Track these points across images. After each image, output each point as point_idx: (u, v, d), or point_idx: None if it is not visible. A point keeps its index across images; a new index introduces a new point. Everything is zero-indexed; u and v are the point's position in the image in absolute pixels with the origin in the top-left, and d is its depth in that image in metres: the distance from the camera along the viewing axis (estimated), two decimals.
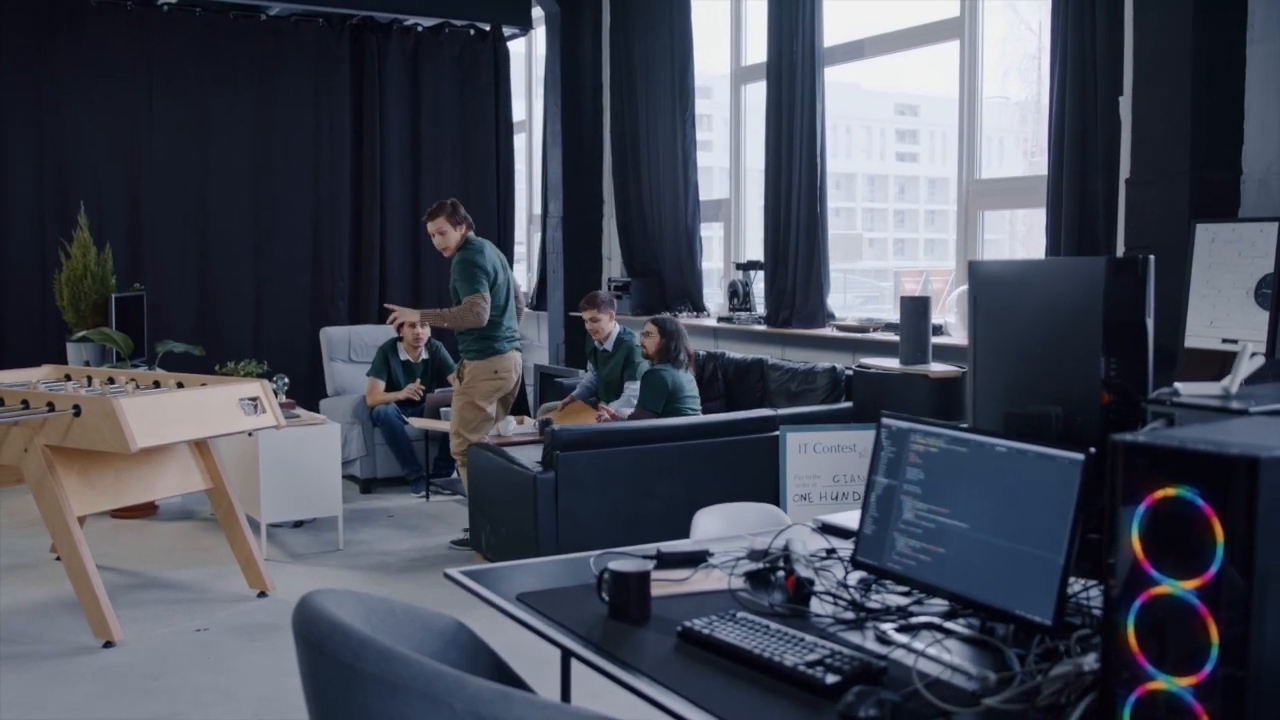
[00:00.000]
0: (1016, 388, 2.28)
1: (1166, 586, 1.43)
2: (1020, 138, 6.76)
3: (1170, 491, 1.42)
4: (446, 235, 5.97)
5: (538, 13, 9.46)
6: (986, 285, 2.35)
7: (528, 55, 10.55)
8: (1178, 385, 1.98)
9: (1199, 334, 4.61)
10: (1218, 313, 4.60)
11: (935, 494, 2.09)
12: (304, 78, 8.90)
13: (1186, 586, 1.41)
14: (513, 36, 9.77)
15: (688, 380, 6.39)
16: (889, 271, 8.78)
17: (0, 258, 8.11)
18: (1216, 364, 4.30)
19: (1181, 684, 1.42)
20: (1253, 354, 1.97)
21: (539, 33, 9.82)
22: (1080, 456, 1.85)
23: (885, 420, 2.21)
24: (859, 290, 8.35)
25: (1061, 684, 1.69)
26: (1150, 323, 2.11)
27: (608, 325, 6.79)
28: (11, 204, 8.11)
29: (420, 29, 9.28)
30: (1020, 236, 6.80)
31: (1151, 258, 2.10)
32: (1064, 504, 1.85)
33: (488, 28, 9.46)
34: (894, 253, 10.23)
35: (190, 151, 8.57)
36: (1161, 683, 1.44)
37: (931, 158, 6.41)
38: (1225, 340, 4.51)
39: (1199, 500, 1.40)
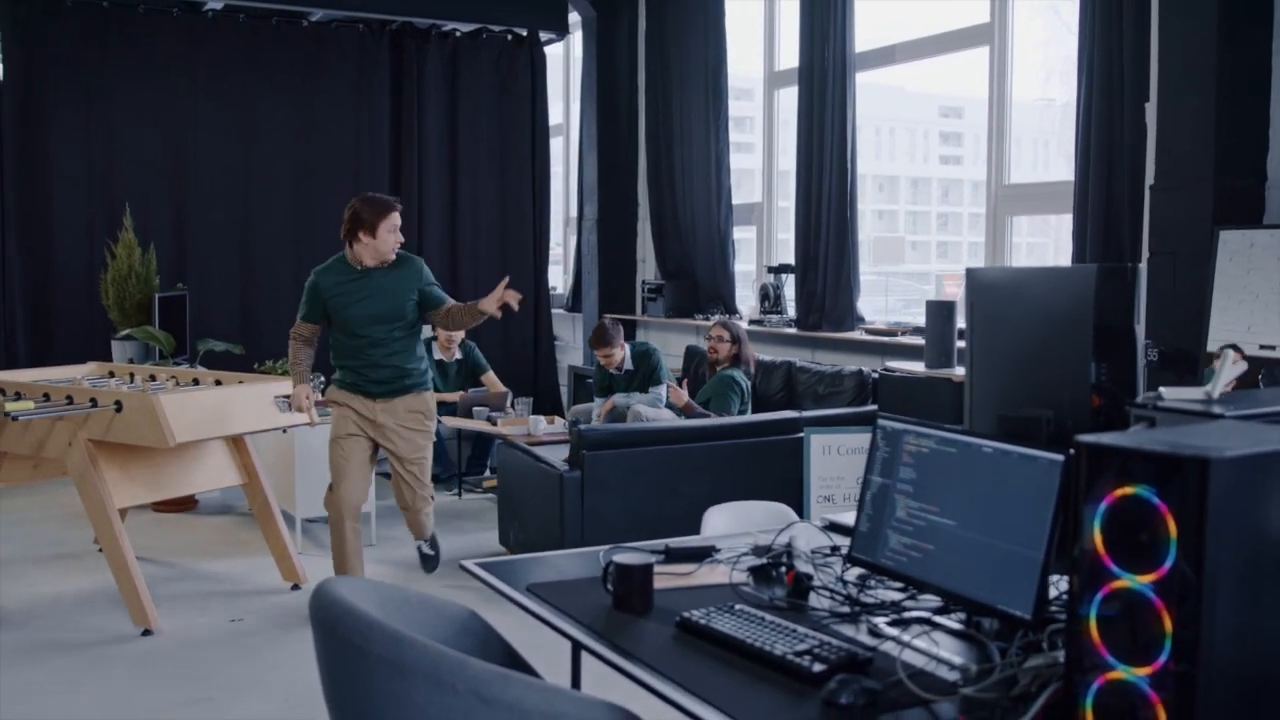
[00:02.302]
0: (1011, 391, 2.35)
1: (1125, 580, 1.51)
2: (1064, 140, 6.80)
3: (1129, 490, 1.50)
4: (397, 234, 4.80)
5: (574, 18, 9.59)
6: (983, 292, 2.42)
7: (565, 59, 10.67)
8: (1162, 390, 2.04)
9: (1235, 339, 4.63)
10: (1255, 318, 4.62)
11: (926, 493, 2.16)
12: (344, 82, 9.06)
13: (1143, 580, 1.49)
14: (549, 41, 9.89)
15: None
16: (931, 275, 8.79)
17: (49, 258, 8.32)
18: (1249, 369, 4.30)
19: (1139, 673, 1.49)
20: (1235, 360, 2.03)
21: (576, 37, 9.94)
22: (1060, 458, 1.92)
23: (881, 421, 2.29)
24: (900, 293, 8.37)
25: (1033, 675, 1.76)
26: (1139, 329, 2.17)
27: (620, 353, 6.89)
28: (60, 206, 8.31)
29: (458, 34, 9.41)
30: (1063, 241, 6.83)
31: (1142, 266, 2.17)
32: (1044, 503, 1.93)
33: (525, 33, 9.58)
34: (936, 256, 10.24)
35: (233, 154, 8.75)
36: (1121, 672, 1.51)
37: (975, 160, 6.45)
38: (1263, 346, 4.53)
39: (1155, 499, 1.47)
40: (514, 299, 4.74)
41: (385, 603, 2.20)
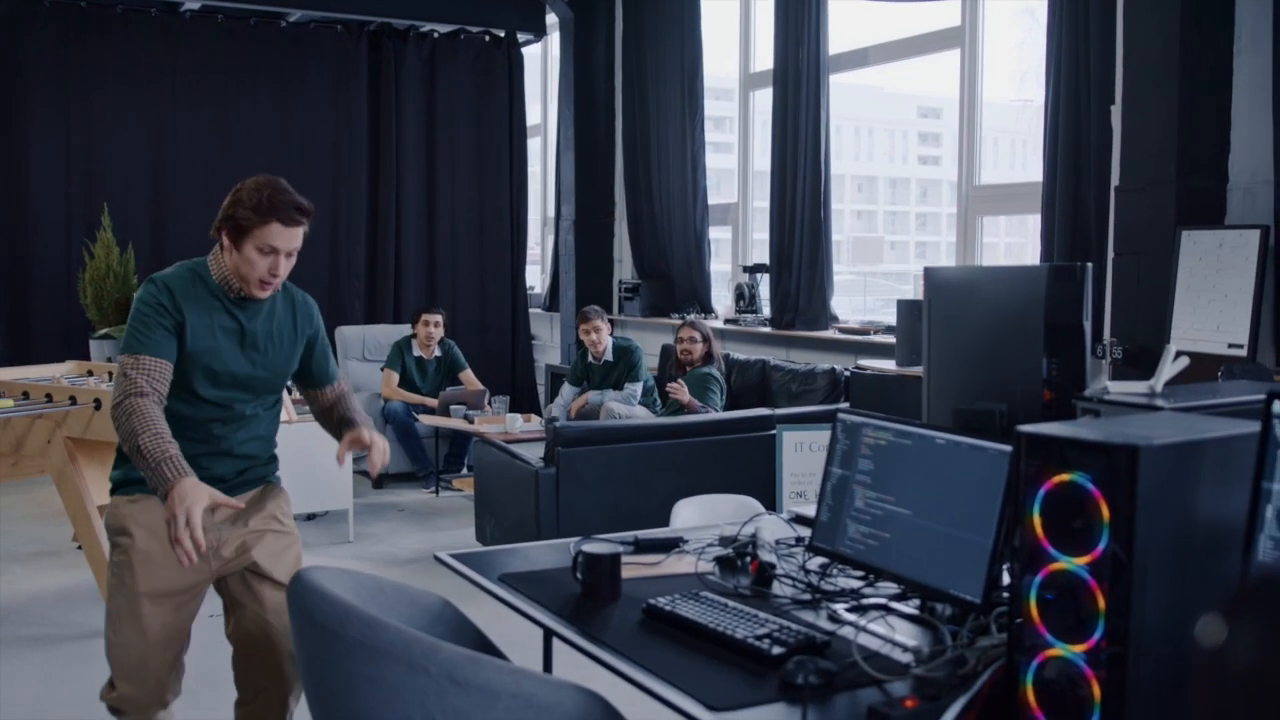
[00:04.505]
0: (966, 386, 2.43)
1: (1063, 563, 1.59)
2: (1040, 141, 6.90)
3: (1066, 477, 1.58)
4: (293, 259, 2.80)
5: (552, 19, 9.65)
6: (939, 290, 2.50)
7: (543, 60, 10.73)
8: (1108, 384, 2.13)
9: (1204, 338, 4.73)
10: (1224, 317, 4.72)
11: (883, 483, 2.24)
12: (323, 82, 9.11)
13: (1079, 562, 1.57)
14: (527, 42, 9.96)
15: None
16: (910, 274, 8.89)
17: (28, 257, 8.35)
18: (1209, 366, 4.39)
19: (1075, 650, 1.58)
20: (1177, 356, 2.11)
21: (553, 38, 10.01)
22: (1008, 448, 2.00)
23: (840, 415, 2.37)
24: (879, 293, 8.47)
25: (979, 655, 1.84)
26: (1088, 325, 2.25)
27: (605, 335, 7.02)
28: (39, 205, 8.34)
29: (436, 35, 9.47)
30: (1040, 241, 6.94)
31: (1089, 265, 2.25)
32: (994, 492, 2.01)
33: (502, 34, 9.65)
34: (915, 256, 10.33)
35: (211, 154, 8.78)
36: (1059, 650, 1.60)
37: (953, 161, 6.56)
38: (1231, 345, 4.63)
39: (1090, 484, 1.55)
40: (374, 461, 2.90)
41: (360, 590, 2.26)
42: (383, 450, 2.87)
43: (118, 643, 2.79)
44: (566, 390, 7.26)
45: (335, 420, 3.04)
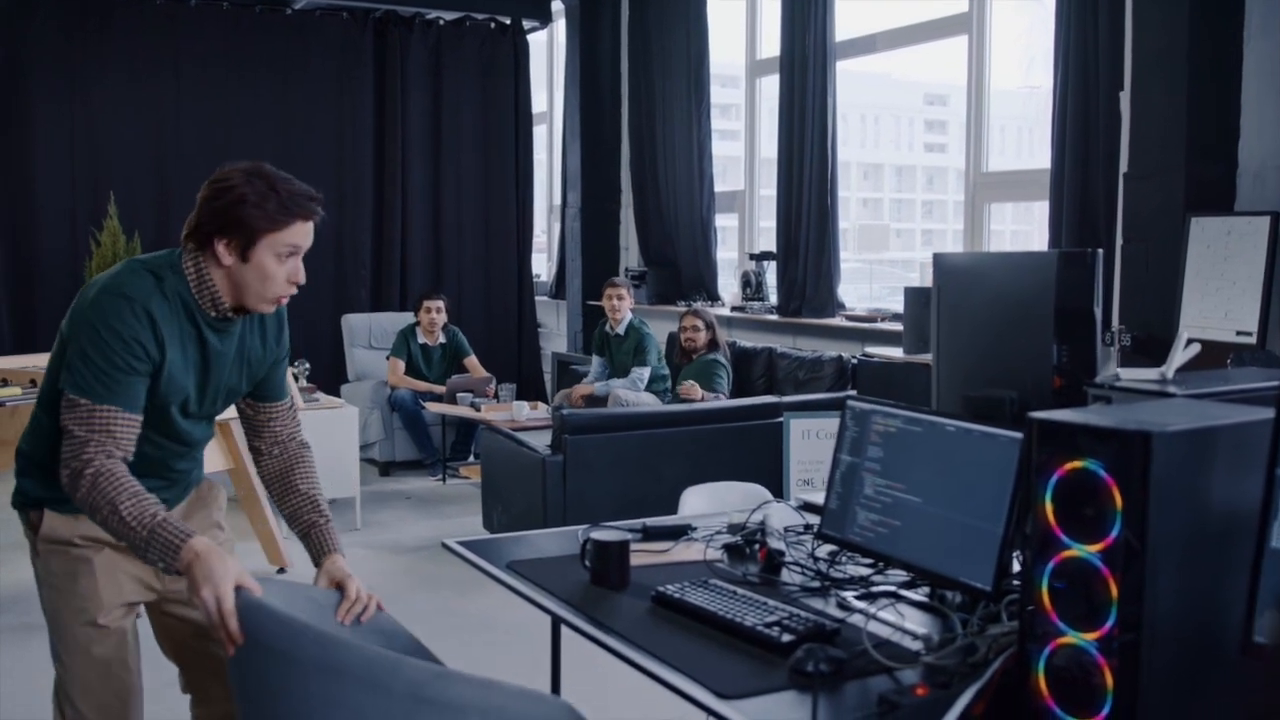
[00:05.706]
0: (976, 373, 2.42)
1: (1075, 550, 1.58)
2: (1048, 127, 6.88)
3: (1078, 464, 1.57)
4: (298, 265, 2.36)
5: (557, 5, 9.62)
6: (948, 276, 2.49)
7: (549, 47, 10.70)
8: (1119, 370, 2.12)
9: (1214, 326, 4.71)
10: (1232, 304, 4.70)
11: (893, 470, 2.23)
12: (328, 70, 9.08)
13: (1091, 550, 1.56)
14: (533, 29, 9.92)
15: None
16: (916, 262, 8.87)
17: (34, 246, 8.35)
18: (1218, 353, 4.36)
19: (1088, 638, 1.57)
20: (1189, 343, 2.10)
21: (559, 25, 9.98)
22: (1019, 435, 1.99)
23: (850, 403, 2.36)
24: (885, 280, 8.44)
25: (990, 642, 1.84)
26: (1098, 312, 2.24)
27: (627, 310, 7.10)
28: (45, 194, 8.33)
29: (442, 22, 9.45)
30: (1046, 229, 6.91)
31: (1100, 251, 2.23)
32: (1004, 479, 2.00)
33: (508, 21, 9.62)
34: (922, 243, 10.29)
35: (217, 142, 8.73)
36: (1071, 637, 1.59)
37: (960, 148, 6.55)
38: (1240, 333, 4.61)
39: (1102, 471, 1.54)
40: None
41: (308, 605, 2.12)
42: (367, 607, 2.19)
43: (87, 668, 2.37)
44: (596, 361, 7.43)
45: (302, 525, 2.37)
